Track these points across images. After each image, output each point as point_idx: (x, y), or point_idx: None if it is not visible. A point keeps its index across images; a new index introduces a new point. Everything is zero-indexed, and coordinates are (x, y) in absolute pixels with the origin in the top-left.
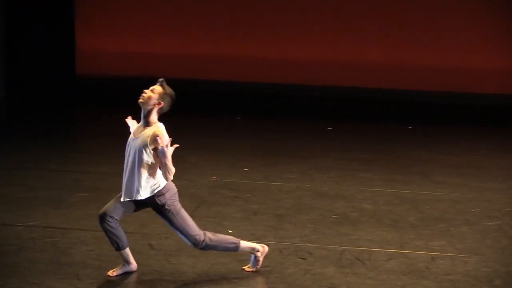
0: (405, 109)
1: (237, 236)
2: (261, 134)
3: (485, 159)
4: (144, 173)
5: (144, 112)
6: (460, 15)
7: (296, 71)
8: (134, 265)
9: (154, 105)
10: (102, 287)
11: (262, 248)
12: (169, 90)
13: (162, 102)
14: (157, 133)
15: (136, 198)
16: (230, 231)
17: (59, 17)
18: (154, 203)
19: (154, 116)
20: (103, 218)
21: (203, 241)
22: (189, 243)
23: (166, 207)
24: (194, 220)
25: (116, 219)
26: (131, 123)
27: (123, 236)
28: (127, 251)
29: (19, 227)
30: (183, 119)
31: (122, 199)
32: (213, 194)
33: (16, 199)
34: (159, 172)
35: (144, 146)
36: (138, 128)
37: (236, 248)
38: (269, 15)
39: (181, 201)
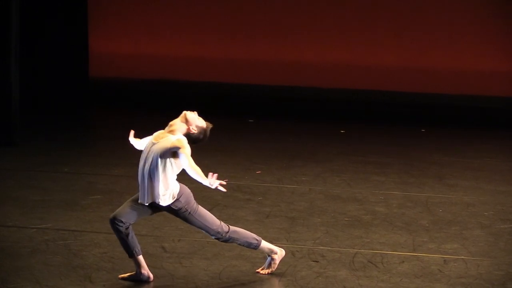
0: (419, 112)
1: None
2: (274, 136)
3: (500, 162)
4: (163, 178)
5: (176, 122)
6: (476, 19)
7: (310, 74)
8: (145, 275)
9: (189, 126)
10: None
11: (280, 251)
12: (208, 134)
13: (195, 132)
14: (181, 140)
15: (157, 202)
16: None
17: (72, 19)
18: (170, 208)
19: (180, 132)
20: (113, 222)
21: (227, 232)
22: (212, 237)
23: (183, 210)
24: None
25: (129, 224)
26: (133, 141)
27: (133, 244)
28: (140, 259)
29: (32, 229)
30: None
31: (141, 202)
32: (226, 196)
33: (30, 202)
34: (173, 178)
35: (165, 151)
36: (160, 133)
37: (256, 246)
38: (283, 18)
39: None
